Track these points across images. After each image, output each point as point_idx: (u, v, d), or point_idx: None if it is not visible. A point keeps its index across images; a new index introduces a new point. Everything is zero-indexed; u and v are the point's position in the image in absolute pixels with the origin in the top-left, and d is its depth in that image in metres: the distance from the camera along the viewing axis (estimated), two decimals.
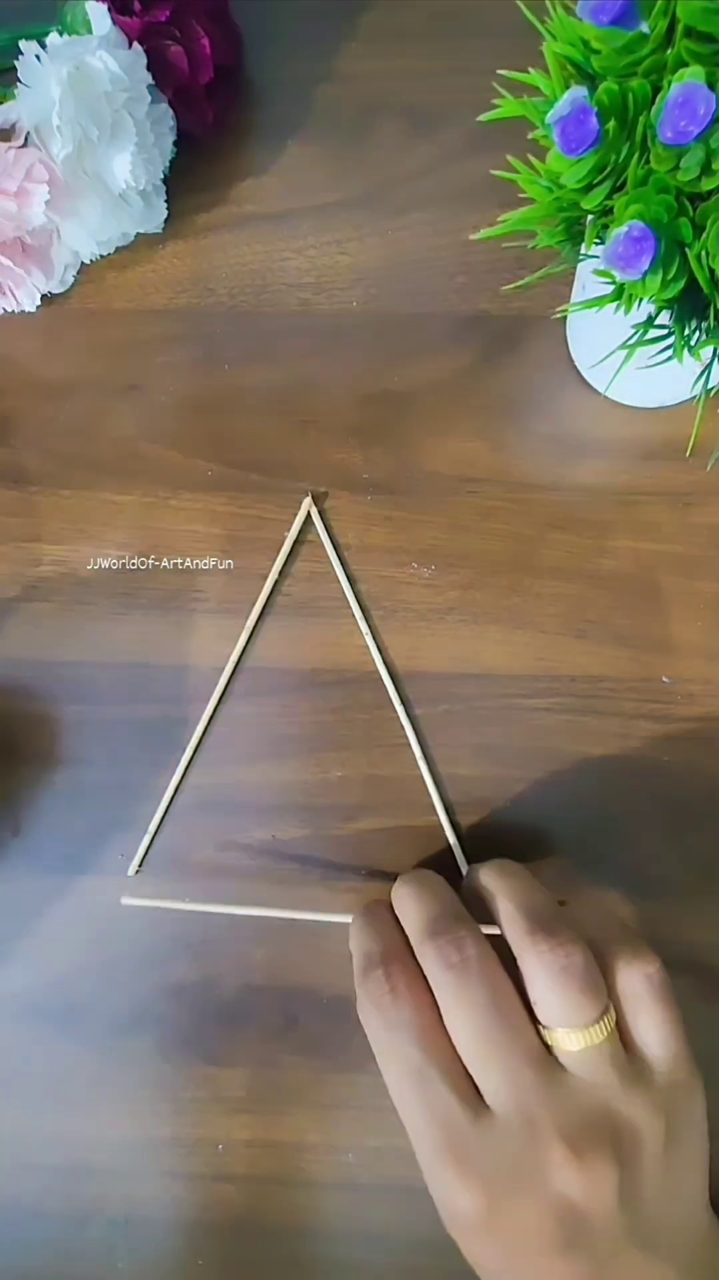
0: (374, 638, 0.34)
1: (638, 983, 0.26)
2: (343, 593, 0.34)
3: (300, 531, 0.35)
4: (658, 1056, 0.26)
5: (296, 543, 0.35)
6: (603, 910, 0.28)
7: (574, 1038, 0.25)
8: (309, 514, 0.35)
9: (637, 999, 0.26)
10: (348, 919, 0.29)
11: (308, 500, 0.35)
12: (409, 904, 0.28)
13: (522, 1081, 0.24)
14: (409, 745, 0.33)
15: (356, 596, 0.34)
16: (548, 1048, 0.25)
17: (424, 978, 0.26)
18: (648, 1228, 0.24)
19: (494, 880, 0.28)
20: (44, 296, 0.38)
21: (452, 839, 0.32)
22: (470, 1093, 0.25)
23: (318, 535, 0.35)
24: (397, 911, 0.28)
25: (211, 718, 0.34)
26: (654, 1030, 0.26)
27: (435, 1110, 0.25)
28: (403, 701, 0.33)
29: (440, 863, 0.32)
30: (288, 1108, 0.32)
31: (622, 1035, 0.26)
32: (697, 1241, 0.26)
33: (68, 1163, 0.32)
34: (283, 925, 0.32)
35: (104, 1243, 0.31)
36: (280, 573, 0.34)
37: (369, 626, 0.34)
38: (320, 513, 0.35)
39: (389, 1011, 0.26)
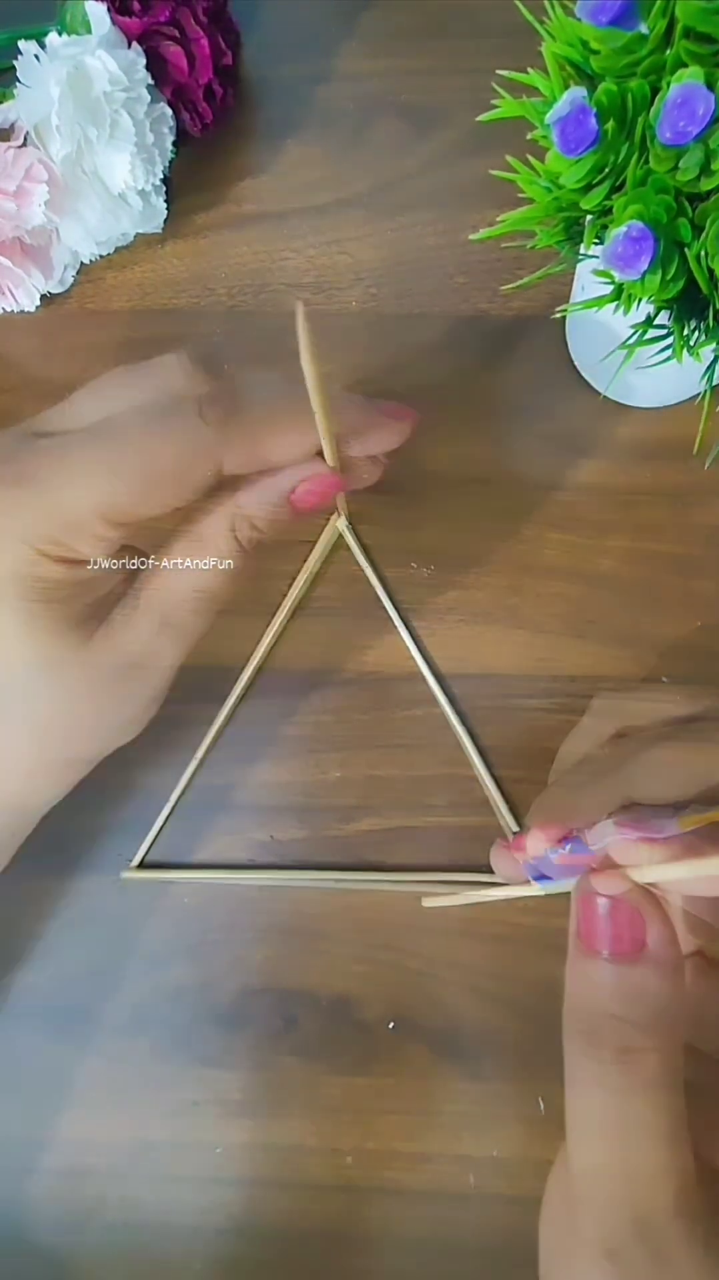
0: (415, 641, 0.34)
1: None
2: (340, 593, 0.34)
3: (314, 536, 0.34)
4: None
5: (296, 544, 0.34)
6: None
7: None
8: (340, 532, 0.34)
9: None
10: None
11: (340, 521, 0.34)
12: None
13: None
14: (406, 746, 0.33)
15: (390, 599, 0.34)
16: None
17: None
18: None
19: None
20: (43, 296, 0.38)
21: (507, 814, 0.32)
22: None
23: (317, 536, 0.35)
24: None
25: (216, 718, 0.33)
26: None
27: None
28: (450, 699, 0.33)
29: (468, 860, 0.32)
30: (286, 1110, 0.31)
31: None
32: None
33: (65, 1166, 0.32)
34: (281, 927, 0.32)
35: (101, 1246, 0.31)
36: (288, 576, 0.34)
37: (408, 630, 0.34)
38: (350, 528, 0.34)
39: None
